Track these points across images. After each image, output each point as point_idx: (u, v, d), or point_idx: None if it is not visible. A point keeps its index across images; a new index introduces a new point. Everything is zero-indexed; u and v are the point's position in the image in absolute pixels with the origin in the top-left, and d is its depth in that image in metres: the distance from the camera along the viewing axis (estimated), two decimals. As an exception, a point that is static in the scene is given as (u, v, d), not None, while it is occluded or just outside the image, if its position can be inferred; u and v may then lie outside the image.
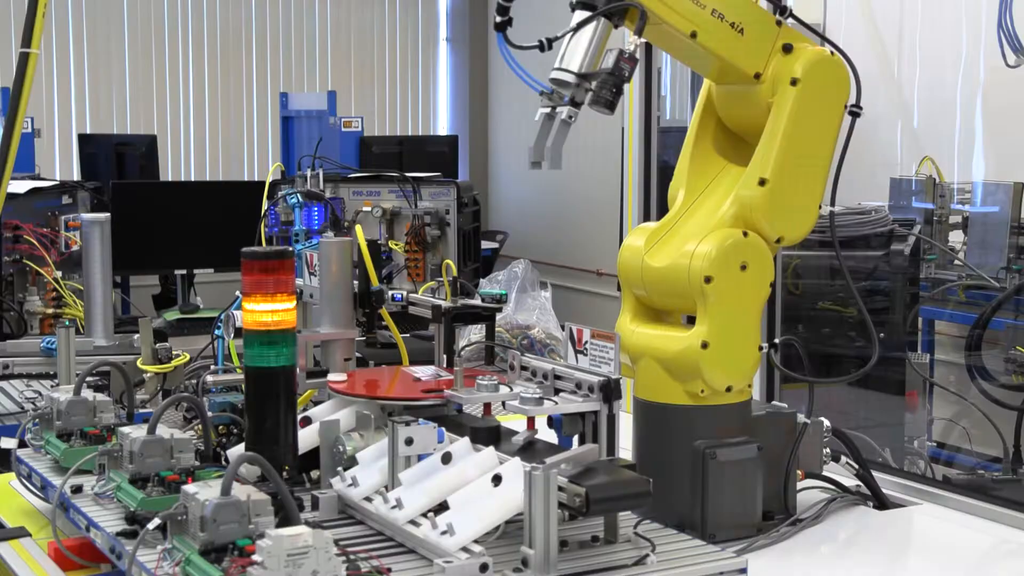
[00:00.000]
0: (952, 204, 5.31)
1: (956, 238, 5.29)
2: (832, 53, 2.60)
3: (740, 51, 2.56)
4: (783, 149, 2.54)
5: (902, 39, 6.56)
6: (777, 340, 2.74)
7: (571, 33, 2.47)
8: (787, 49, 2.58)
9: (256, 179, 9.65)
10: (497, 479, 2.05)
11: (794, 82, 2.55)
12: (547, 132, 2.46)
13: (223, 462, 2.46)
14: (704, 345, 2.46)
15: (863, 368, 2.83)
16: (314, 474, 2.43)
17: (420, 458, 2.17)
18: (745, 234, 2.51)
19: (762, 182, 2.52)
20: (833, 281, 4.76)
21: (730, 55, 2.56)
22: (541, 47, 2.48)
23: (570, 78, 2.43)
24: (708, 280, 2.47)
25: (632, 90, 3.72)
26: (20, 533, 2.55)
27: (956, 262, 5.10)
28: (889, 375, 4.72)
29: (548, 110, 2.48)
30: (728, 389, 2.51)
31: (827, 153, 2.62)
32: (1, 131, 4.04)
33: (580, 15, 2.47)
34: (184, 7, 9.71)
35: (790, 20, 2.62)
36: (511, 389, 2.35)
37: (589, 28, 2.46)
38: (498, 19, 2.51)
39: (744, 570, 2.06)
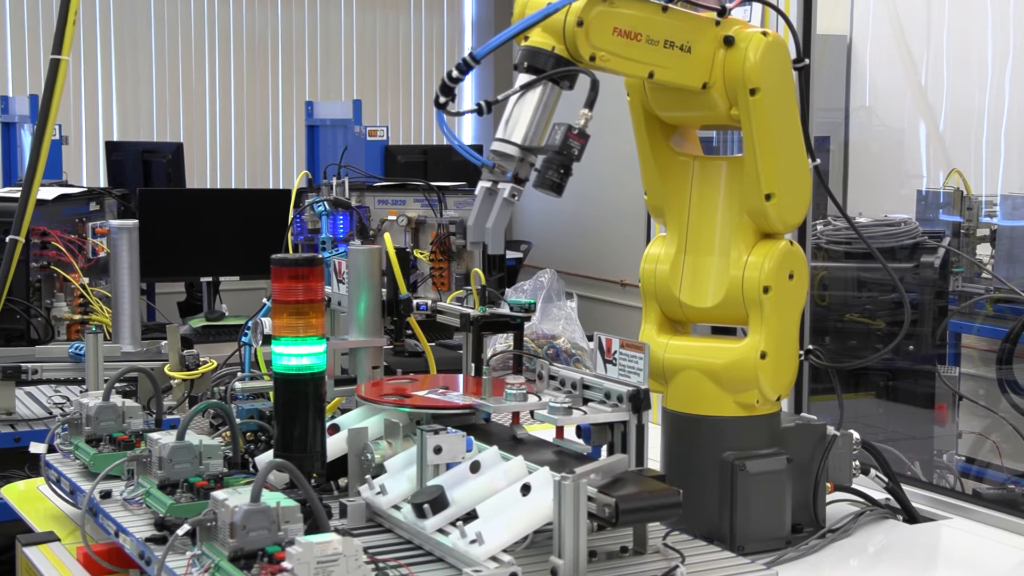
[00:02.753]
0: (980, 217, 5.29)
1: (984, 251, 5.27)
2: (765, 33, 2.46)
3: (690, 70, 2.44)
4: (774, 157, 2.48)
5: (929, 52, 6.55)
6: (809, 347, 2.73)
7: (515, 97, 2.27)
8: (728, 42, 2.46)
9: (282, 187, 9.70)
10: (526, 488, 2.05)
11: (753, 92, 2.45)
12: (487, 210, 2.28)
13: (251, 469, 2.46)
14: (763, 355, 2.46)
15: (897, 338, 2.82)
16: (342, 482, 2.43)
17: (448, 467, 2.16)
18: (791, 243, 2.50)
19: (768, 197, 2.48)
20: (860, 293, 4.75)
21: (682, 79, 2.44)
22: (480, 111, 2.28)
23: (513, 151, 2.24)
24: (767, 290, 2.46)
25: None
26: (49, 538, 2.56)
27: (984, 275, 5.07)
28: (918, 388, 4.70)
29: (489, 184, 2.28)
30: (778, 398, 2.50)
31: (798, 122, 2.55)
32: (31, 137, 4.06)
33: (525, 77, 2.27)
34: (211, 16, 9.76)
35: None
36: (539, 398, 2.34)
37: (535, 93, 2.26)
38: (442, 99, 2.30)
39: (774, 582, 2.05)
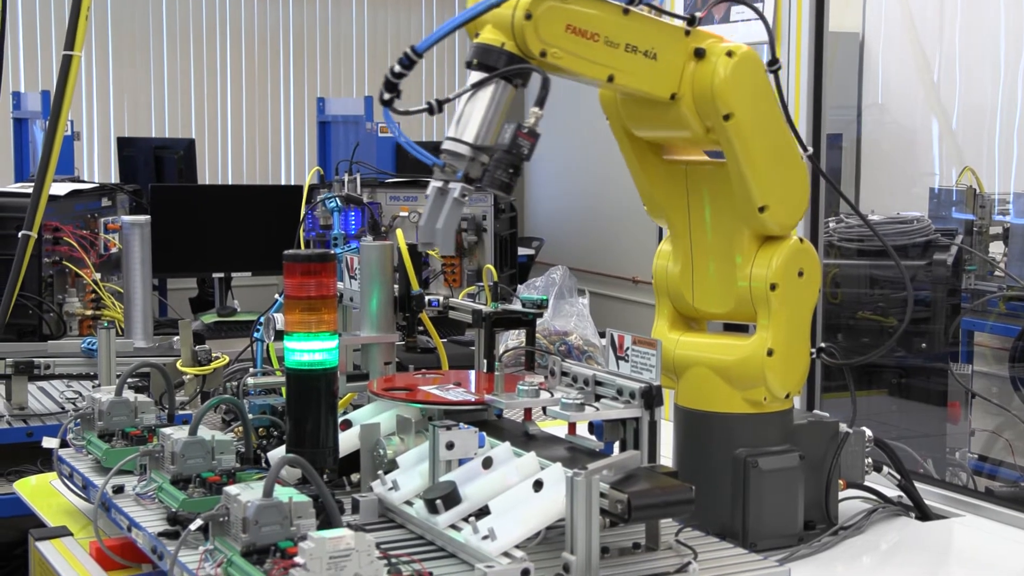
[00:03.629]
0: (993, 215, 5.28)
1: (996, 249, 5.26)
2: (729, 54, 2.37)
3: (655, 78, 2.36)
4: (762, 173, 2.42)
5: (942, 49, 6.53)
6: (822, 345, 2.72)
7: (467, 96, 2.21)
8: (699, 54, 2.38)
9: (293, 183, 9.69)
10: (539, 484, 2.05)
11: (728, 117, 2.37)
12: (438, 210, 2.22)
13: (264, 464, 2.47)
14: (770, 352, 2.44)
15: (897, 332, 2.82)
16: (354, 477, 2.43)
17: (461, 462, 2.16)
18: (801, 240, 2.49)
19: (762, 209, 2.43)
20: (872, 290, 4.74)
21: (647, 86, 2.36)
22: (430, 110, 2.19)
23: (464, 150, 2.19)
24: (773, 287, 2.45)
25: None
26: (62, 532, 2.57)
27: (997, 273, 5.06)
28: (931, 386, 4.69)
29: (441, 184, 2.23)
30: (787, 396, 2.49)
31: (784, 127, 2.48)
32: (43, 133, 4.07)
33: (476, 75, 2.21)
34: (223, 12, 9.76)
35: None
36: (551, 395, 2.34)
37: (487, 92, 2.20)
38: (386, 95, 2.20)
39: (787, 579, 2.05)
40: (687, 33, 2.39)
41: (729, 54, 2.37)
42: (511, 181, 2.17)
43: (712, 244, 2.54)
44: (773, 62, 2.48)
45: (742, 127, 2.40)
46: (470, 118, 2.20)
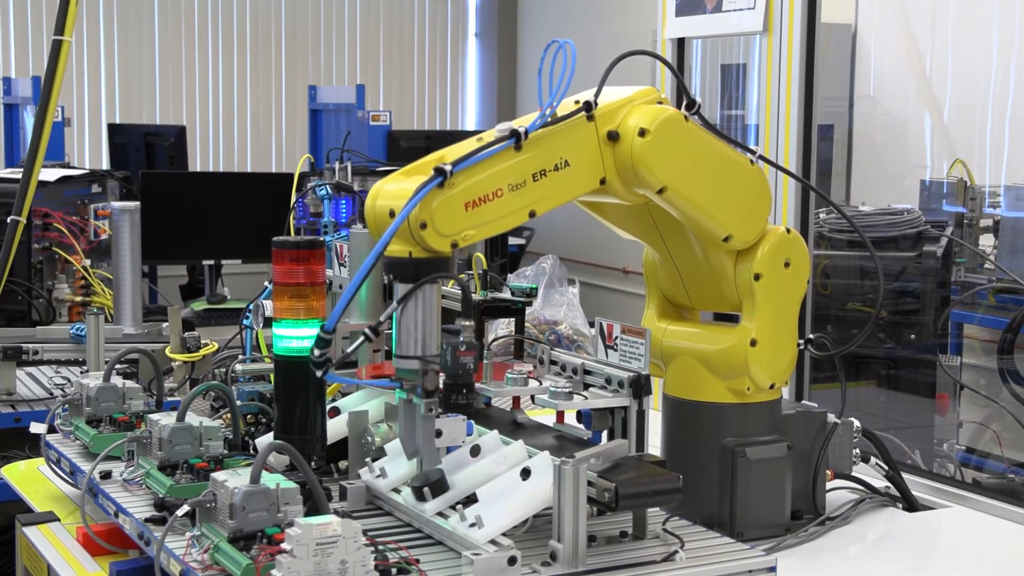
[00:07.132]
0: (983, 207, 5.29)
1: (986, 241, 5.27)
2: (641, 133, 2.25)
3: (577, 182, 2.25)
4: (715, 216, 2.39)
5: (934, 41, 6.54)
6: (811, 336, 2.72)
7: (397, 309, 2.13)
8: (612, 137, 2.27)
9: (284, 171, 9.69)
10: (526, 473, 2.05)
11: (662, 191, 2.29)
12: (412, 426, 2.16)
13: (251, 451, 2.46)
14: (753, 343, 2.44)
15: (869, 324, 2.83)
16: (342, 464, 2.43)
17: (449, 450, 2.16)
18: (788, 231, 2.48)
19: (727, 239, 2.41)
20: (862, 282, 4.75)
21: (572, 194, 2.27)
22: (367, 338, 2.11)
23: (414, 365, 2.13)
24: (757, 277, 2.44)
25: (665, 86, 3.70)
26: (49, 518, 2.56)
27: (987, 265, 5.07)
28: (919, 377, 4.70)
29: (406, 397, 2.17)
30: (771, 386, 2.49)
31: (725, 156, 2.40)
32: (33, 119, 4.06)
33: (401, 288, 2.14)
34: (215, -1, 9.75)
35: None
36: (540, 383, 2.34)
37: (414, 301, 2.13)
38: (318, 373, 2.14)
39: (773, 568, 2.05)
40: (590, 118, 2.26)
41: (642, 133, 2.26)
42: (470, 400, 2.12)
43: (692, 256, 2.53)
44: (691, 105, 2.36)
45: (680, 191, 2.33)
46: (408, 333, 2.14)
